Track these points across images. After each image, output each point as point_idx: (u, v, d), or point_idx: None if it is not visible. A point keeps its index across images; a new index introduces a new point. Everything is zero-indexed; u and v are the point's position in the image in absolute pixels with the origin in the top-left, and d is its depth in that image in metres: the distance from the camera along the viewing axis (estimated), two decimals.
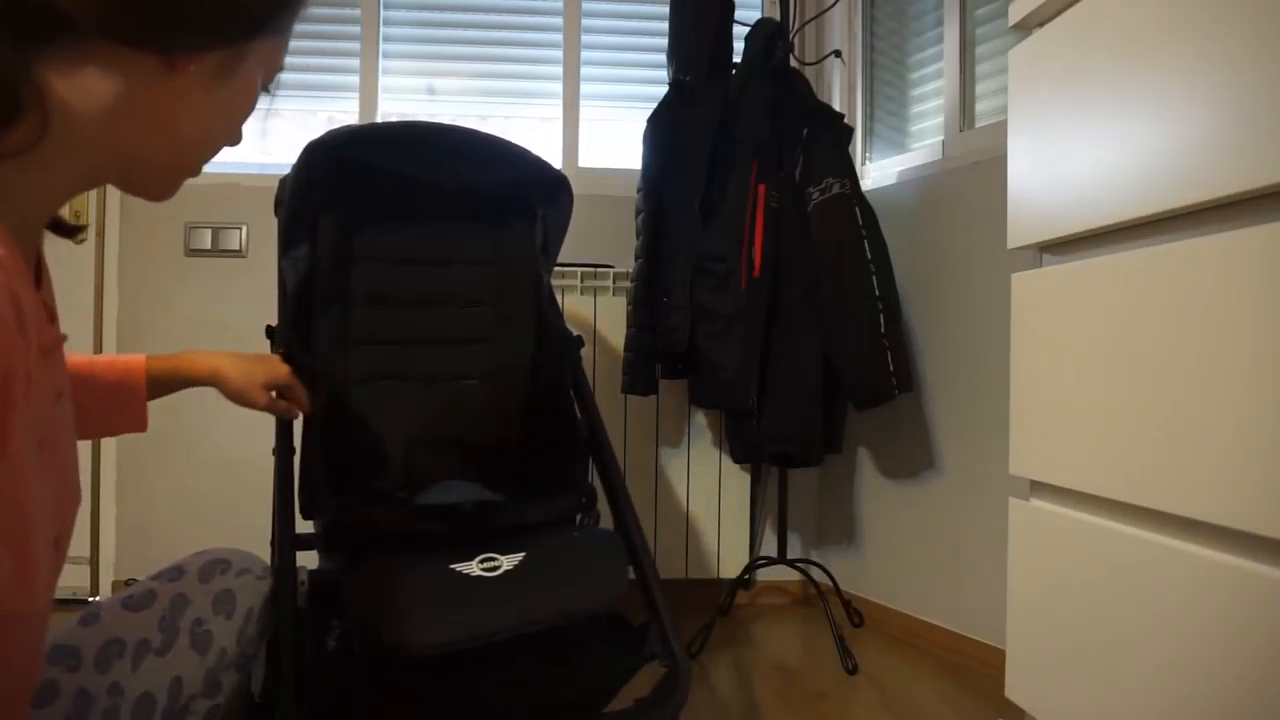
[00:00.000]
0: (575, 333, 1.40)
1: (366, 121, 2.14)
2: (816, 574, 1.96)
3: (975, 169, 1.77)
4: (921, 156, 1.99)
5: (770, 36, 1.82)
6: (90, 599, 1.99)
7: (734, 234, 1.72)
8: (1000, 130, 1.45)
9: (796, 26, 1.96)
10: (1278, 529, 0.59)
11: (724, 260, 1.71)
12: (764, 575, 2.11)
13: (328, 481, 1.13)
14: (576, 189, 1.46)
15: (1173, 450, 0.69)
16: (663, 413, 2.01)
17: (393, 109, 2.21)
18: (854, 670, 1.67)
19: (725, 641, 1.84)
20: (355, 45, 2.17)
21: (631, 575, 1.14)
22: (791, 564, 1.94)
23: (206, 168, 0.58)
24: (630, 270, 1.83)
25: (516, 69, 2.25)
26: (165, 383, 0.91)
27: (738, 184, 1.74)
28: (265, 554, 0.99)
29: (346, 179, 1.32)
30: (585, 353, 1.42)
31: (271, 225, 1.32)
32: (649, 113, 1.82)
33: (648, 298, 1.78)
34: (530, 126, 2.27)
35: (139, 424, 0.88)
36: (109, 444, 2.01)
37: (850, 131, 1.87)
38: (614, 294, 1.99)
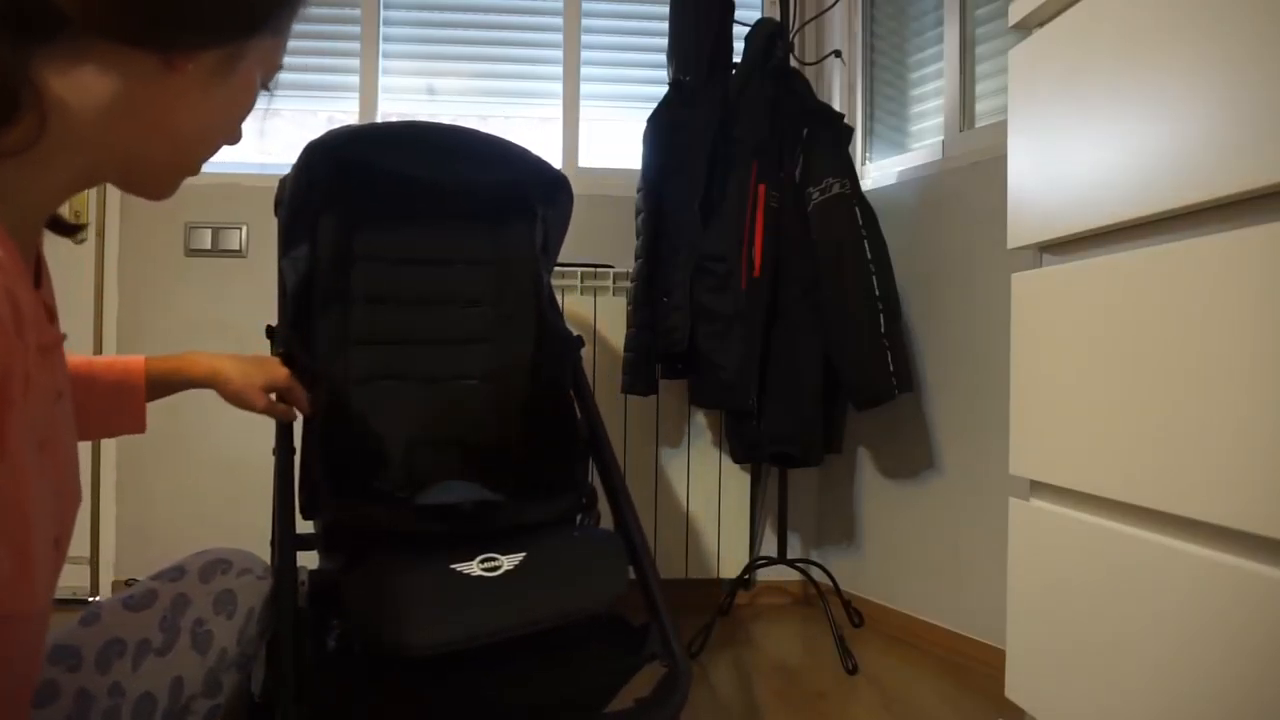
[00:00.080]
0: (575, 333, 1.40)
1: (366, 121, 2.14)
2: (816, 574, 1.96)
3: (975, 169, 1.77)
4: (921, 156, 1.99)
5: (770, 36, 1.82)
6: (90, 599, 1.99)
7: (734, 234, 1.72)
8: (1000, 130, 1.45)
9: (796, 26, 1.96)
10: (1278, 529, 0.59)
11: (724, 260, 1.71)
12: (764, 575, 2.11)
13: (328, 481, 1.13)
14: (576, 189, 1.46)
15: (1173, 450, 0.69)
16: (663, 413, 2.01)
17: (393, 109, 2.21)
18: (854, 670, 1.67)
19: (725, 641, 1.84)
20: (355, 45, 2.17)
21: (631, 575, 1.14)
22: (791, 564, 1.94)
23: (206, 167, 0.58)
24: (630, 270, 1.83)
25: (516, 69, 2.25)
26: (164, 384, 0.91)
27: (738, 184, 1.74)
28: (265, 554, 0.99)
29: (346, 179, 1.32)
30: (585, 353, 1.42)
31: (271, 225, 1.32)
32: (649, 113, 1.82)
33: (648, 298, 1.78)
34: (530, 126, 2.27)
35: (138, 425, 0.88)
36: (109, 444, 2.01)
37: (850, 131, 1.87)
38: (614, 294, 1.99)
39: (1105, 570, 0.78)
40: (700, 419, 2.03)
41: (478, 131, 1.39)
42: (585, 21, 2.23)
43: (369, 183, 1.34)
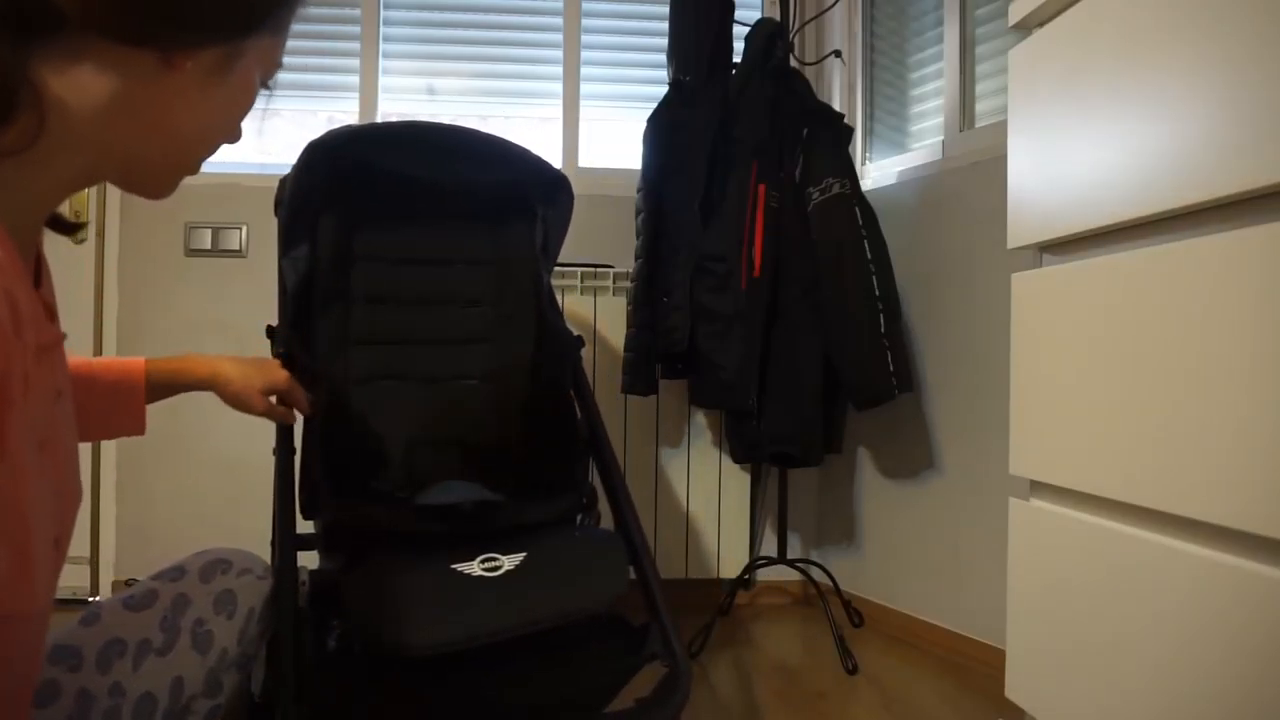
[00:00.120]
0: (575, 333, 1.40)
1: (366, 121, 2.14)
2: (816, 574, 1.96)
3: (975, 169, 1.77)
4: (921, 156, 1.99)
5: (770, 36, 1.82)
6: (90, 599, 1.99)
7: (734, 234, 1.72)
8: (1000, 130, 1.45)
9: (796, 26, 1.96)
10: (1278, 529, 0.59)
11: (724, 260, 1.71)
12: (764, 575, 2.11)
13: (328, 481, 1.13)
14: (576, 189, 1.46)
15: (1173, 450, 0.69)
16: (663, 413, 2.01)
17: (393, 109, 2.21)
18: (854, 670, 1.67)
19: (725, 641, 1.84)
20: (355, 45, 2.17)
21: (632, 575, 1.14)
22: (791, 564, 1.94)
23: (206, 167, 0.58)
24: (630, 270, 1.83)
25: (516, 69, 2.25)
26: (164, 386, 0.91)
27: (738, 184, 1.74)
28: (266, 554, 0.99)
29: (346, 179, 1.32)
30: (585, 353, 1.42)
31: (271, 225, 1.32)
32: (649, 113, 1.82)
33: (648, 298, 1.78)
34: (530, 126, 2.27)
35: (138, 426, 0.88)
36: (109, 444, 2.01)
37: (850, 131, 1.87)
38: (614, 294, 1.99)
39: (1105, 570, 0.78)
40: (700, 419, 2.03)
41: (478, 131, 1.39)
42: (585, 21, 2.23)
43: (369, 183, 1.34)
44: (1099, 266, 0.80)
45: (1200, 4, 0.67)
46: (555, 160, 2.16)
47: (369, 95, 2.17)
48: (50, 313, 0.54)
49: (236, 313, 2.02)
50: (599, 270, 1.99)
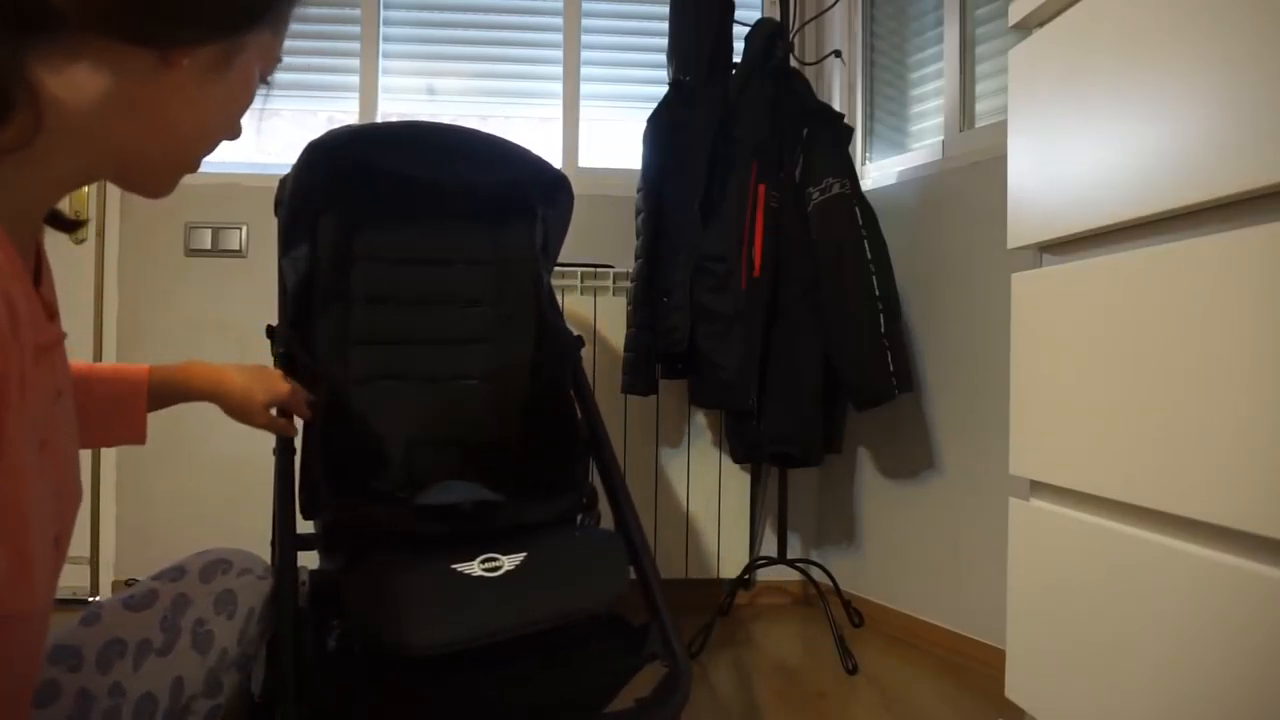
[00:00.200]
0: (575, 333, 1.40)
1: (366, 121, 2.14)
2: (816, 574, 1.96)
3: (975, 169, 1.77)
4: (921, 156, 1.99)
5: (770, 36, 1.82)
6: (90, 599, 1.99)
7: (734, 234, 1.72)
8: (1000, 130, 1.44)
9: (796, 26, 1.96)
10: (1278, 529, 0.59)
11: (724, 260, 1.71)
12: (764, 575, 2.11)
13: (328, 481, 1.13)
14: (576, 189, 1.46)
15: (1173, 450, 0.69)
16: (663, 413, 2.01)
17: (393, 109, 2.21)
18: (854, 670, 1.67)
19: (725, 641, 1.84)
20: (355, 45, 2.17)
21: (632, 575, 1.14)
22: (791, 564, 1.94)
23: (206, 167, 0.58)
24: (630, 270, 1.83)
25: (516, 69, 2.25)
26: (166, 396, 0.91)
27: (738, 184, 1.74)
28: (266, 554, 0.99)
29: (346, 179, 1.32)
30: (585, 353, 1.42)
31: (271, 225, 1.32)
32: (649, 113, 1.82)
33: (648, 298, 1.78)
34: (530, 126, 2.27)
35: (138, 435, 0.88)
36: None
37: (850, 131, 1.87)
38: (614, 294, 1.99)
39: (1105, 570, 0.78)
40: (700, 419, 2.03)
41: (478, 131, 1.39)
42: (585, 21, 2.23)
43: (369, 183, 1.34)
44: (1099, 266, 0.80)
45: (1200, 4, 0.67)
46: (555, 160, 2.16)
47: (369, 95, 2.17)
48: (50, 312, 0.54)
49: (236, 313, 2.02)
50: (599, 270, 1.99)
